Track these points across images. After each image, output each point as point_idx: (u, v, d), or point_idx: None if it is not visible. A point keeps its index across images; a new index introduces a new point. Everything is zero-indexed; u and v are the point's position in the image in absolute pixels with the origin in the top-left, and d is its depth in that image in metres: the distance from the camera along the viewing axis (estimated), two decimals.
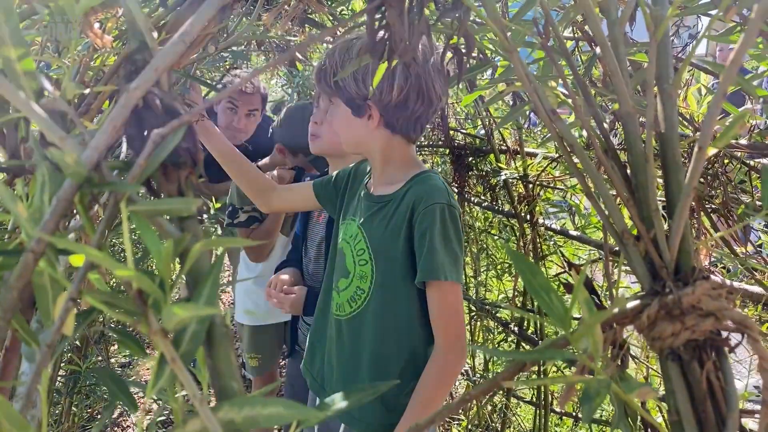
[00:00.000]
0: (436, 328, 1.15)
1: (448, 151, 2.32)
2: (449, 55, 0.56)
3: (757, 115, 1.27)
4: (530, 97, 0.47)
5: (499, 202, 2.18)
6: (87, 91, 0.62)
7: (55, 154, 0.30)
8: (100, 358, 2.79)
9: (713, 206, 1.18)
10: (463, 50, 0.54)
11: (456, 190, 2.23)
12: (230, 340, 0.33)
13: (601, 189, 0.44)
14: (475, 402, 2.22)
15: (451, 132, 2.31)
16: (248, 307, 2.13)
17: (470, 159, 2.21)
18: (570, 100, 0.47)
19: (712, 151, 0.54)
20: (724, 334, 0.43)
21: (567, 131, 0.46)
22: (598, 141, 0.45)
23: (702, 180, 1.20)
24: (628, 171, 0.46)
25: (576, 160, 0.47)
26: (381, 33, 0.46)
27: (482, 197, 2.22)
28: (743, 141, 1.19)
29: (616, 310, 0.41)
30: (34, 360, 0.35)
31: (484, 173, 2.16)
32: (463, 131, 2.31)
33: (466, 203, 2.29)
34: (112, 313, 0.31)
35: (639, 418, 0.59)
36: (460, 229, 1.16)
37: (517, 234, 2.05)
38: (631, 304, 0.41)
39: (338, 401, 0.39)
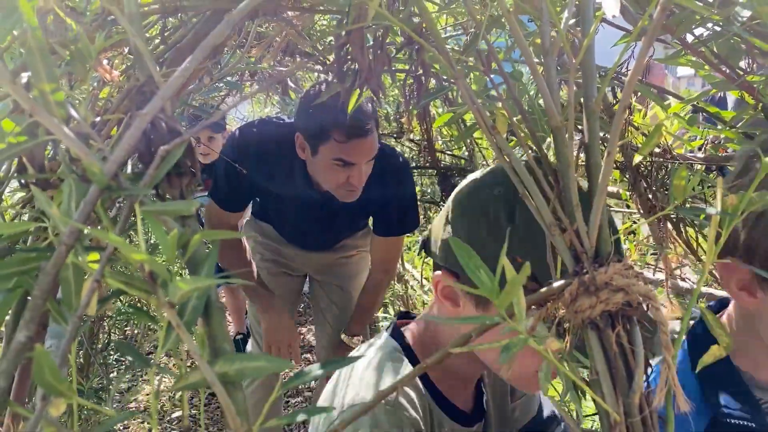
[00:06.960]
0: None
1: (435, 172, 2.41)
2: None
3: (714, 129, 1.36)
4: (475, 116, 0.56)
5: None
6: (98, 119, 0.71)
7: (86, 164, 0.38)
8: (101, 382, 2.84)
9: (671, 215, 1.26)
10: (422, 78, 0.63)
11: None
12: (223, 312, 0.41)
13: (533, 190, 0.53)
14: None
15: (438, 154, 2.41)
16: None
17: (456, 179, 2.31)
18: (509, 117, 0.56)
19: (638, 158, 0.62)
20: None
21: (504, 143, 0.54)
22: (530, 151, 0.54)
23: (664, 190, 1.30)
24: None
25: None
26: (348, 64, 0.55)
27: None
28: (700, 154, 1.28)
29: (544, 289, 0.50)
30: (61, 336, 0.43)
31: None
32: (449, 152, 2.41)
33: None
34: (130, 290, 0.39)
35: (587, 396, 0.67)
36: None
37: None
38: (556, 284, 0.49)
39: None
